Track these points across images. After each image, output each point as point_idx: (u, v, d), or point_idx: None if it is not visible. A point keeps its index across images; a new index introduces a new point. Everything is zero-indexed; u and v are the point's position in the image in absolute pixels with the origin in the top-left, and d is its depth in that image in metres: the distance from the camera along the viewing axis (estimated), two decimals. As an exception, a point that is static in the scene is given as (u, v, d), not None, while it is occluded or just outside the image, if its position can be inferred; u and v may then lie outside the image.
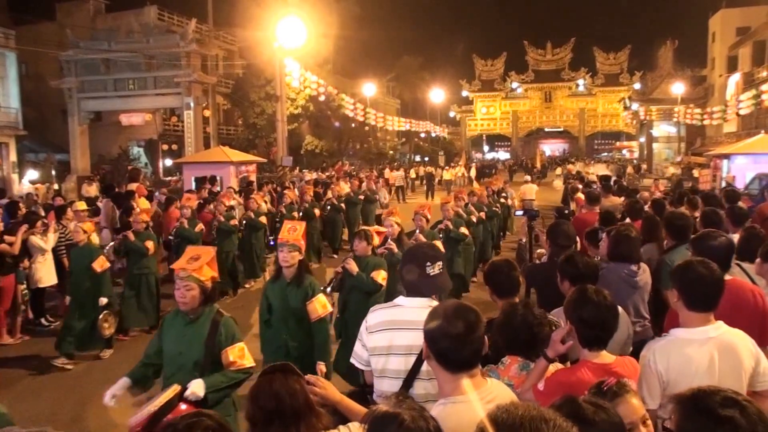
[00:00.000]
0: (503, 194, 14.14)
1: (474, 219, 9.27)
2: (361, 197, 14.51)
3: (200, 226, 9.25)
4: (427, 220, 6.86)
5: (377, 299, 5.03)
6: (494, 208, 11.34)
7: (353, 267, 5.17)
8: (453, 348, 1.95)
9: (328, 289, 5.08)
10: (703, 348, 2.47)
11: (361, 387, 2.84)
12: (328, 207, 13.31)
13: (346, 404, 2.37)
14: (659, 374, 2.46)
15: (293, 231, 4.50)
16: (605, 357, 2.48)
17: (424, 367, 2.44)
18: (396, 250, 5.87)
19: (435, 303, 2.56)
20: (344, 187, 15.60)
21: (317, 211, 12.24)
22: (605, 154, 45.38)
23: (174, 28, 29.18)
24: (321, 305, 4.42)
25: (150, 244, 7.68)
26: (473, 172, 34.83)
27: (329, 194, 14.01)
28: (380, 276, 5.20)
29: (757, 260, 3.67)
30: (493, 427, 1.31)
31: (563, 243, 4.25)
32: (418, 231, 6.73)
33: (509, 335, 2.70)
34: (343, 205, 13.65)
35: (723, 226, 4.71)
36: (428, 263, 2.59)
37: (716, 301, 2.56)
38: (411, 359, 2.49)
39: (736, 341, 2.52)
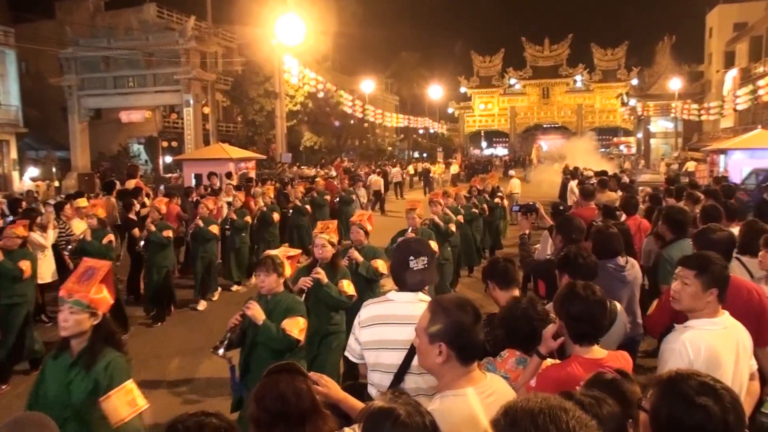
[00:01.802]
0: (498, 193, 12.48)
1: (452, 228, 7.77)
2: (327, 198, 12.75)
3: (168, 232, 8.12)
4: (367, 233, 5.54)
5: (297, 353, 3.77)
6: (473, 210, 9.79)
7: (257, 313, 3.58)
8: (471, 337, 1.96)
9: (220, 351, 3.59)
10: (727, 340, 2.53)
11: (356, 381, 2.90)
12: (290, 211, 11.65)
13: (349, 403, 2.34)
14: (691, 364, 2.43)
15: (83, 278, 2.86)
16: (597, 352, 2.47)
17: (415, 361, 2.46)
18: (325, 279, 4.49)
19: (424, 297, 2.64)
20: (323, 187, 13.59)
21: (276, 216, 10.41)
22: (603, 149, 45.39)
23: (173, 25, 29.24)
24: (125, 402, 2.72)
25: (25, 265, 6.08)
26: (454, 169, 32.19)
27: (296, 193, 12.20)
28: (297, 326, 3.63)
29: (762, 251, 3.67)
30: (513, 414, 1.30)
31: (578, 237, 4.24)
32: (355, 246, 5.45)
33: (510, 328, 2.73)
34: (308, 206, 11.82)
35: (722, 221, 4.74)
36: (411, 257, 2.62)
37: None
38: (402, 354, 2.50)
39: (740, 332, 2.61)
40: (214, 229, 8.73)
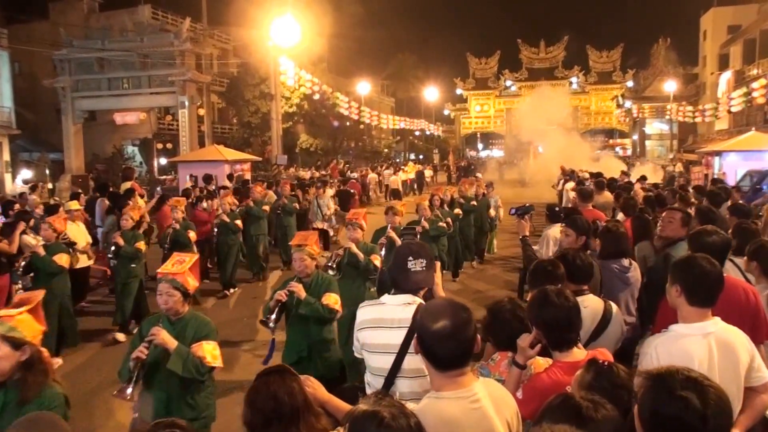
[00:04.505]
0: (461, 201, 10.62)
1: (377, 261, 5.51)
2: (266, 208, 10.61)
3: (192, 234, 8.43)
4: (187, 295, 3.51)
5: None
6: (441, 224, 8.28)
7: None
8: (441, 347, 1.94)
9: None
10: (702, 344, 2.45)
11: (352, 384, 2.87)
12: (216, 228, 9.71)
13: (334, 404, 2.36)
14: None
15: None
16: (576, 354, 2.47)
17: (406, 365, 2.47)
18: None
19: (416, 299, 2.61)
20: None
21: (193, 235, 8.48)
22: (598, 151, 45.59)
23: (168, 26, 29.13)
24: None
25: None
26: (395, 177, 26.94)
27: (222, 204, 10.09)
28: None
29: (745, 258, 3.70)
30: None
31: (591, 235, 4.27)
32: (167, 317, 3.46)
33: (500, 331, 2.70)
34: (239, 222, 9.74)
35: (719, 222, 4.74)
36: (410, 258, 2.61)
37: (716, 297, 2.56)
38: (389, 357, 2.50)
39: (733, 337, 2.51)
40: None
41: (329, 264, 5.15)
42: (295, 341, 4.29)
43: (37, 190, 13.55)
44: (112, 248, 7.36)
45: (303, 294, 4.04)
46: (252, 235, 10.31)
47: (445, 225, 8.43)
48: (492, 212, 11.80)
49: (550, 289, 2.55)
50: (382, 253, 5.91)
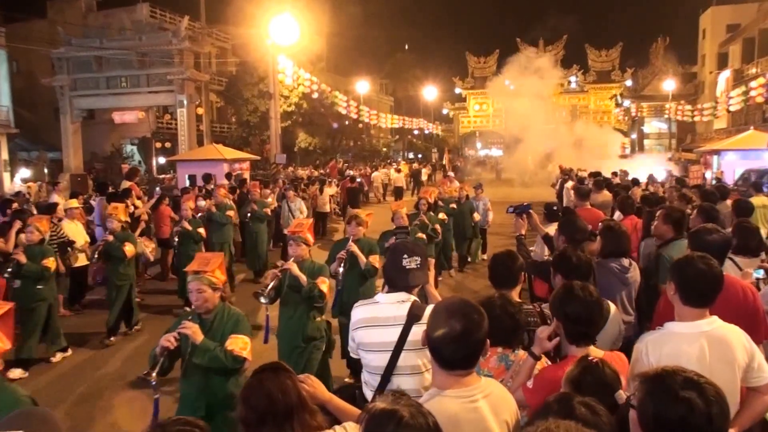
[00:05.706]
0: (464, 203, 10.27)
1: (323, 286, 4.60)
2: (230, 213, 9.46)
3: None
4: None
5: None
6: (420, 235, 7.22)
7: None
8: (448, 348, 1.93)
9: None
10: (694, 342, 2.45)
11: (350, 383, 2.87)
12: (176, 237, 8.49)
13: (335, 403, 2.34)
14: (650, 366, 2.39)
15: None
16: (594, 352, 2.46)
17: (402, 362, 2.49)
18: None
19: (410, 297, 2.63)
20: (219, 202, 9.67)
21: (129, 249, 7.21)
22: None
23: (166, 25, 29.11)
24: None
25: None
26: (398, 175, 25.66)
27: (184, 211, 8.68)
28: None
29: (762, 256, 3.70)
30: None
31: (580, 237, 4.21)
32: None
33: (490, 327, 2.69)
34: (202, 230, 8.55)
35: (720, 221, 4.72)
36: (405, 255, 2.64)
37: (713, 297, 2.55)
38: (385, 356, 2.52)
39: (730, 336, 2.49)
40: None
41: (260, 292, 4.43)
42: (189, 398, 3.33)
43: (58, 186, 13.39)
44: (9, 268, 6.11)
45: (199, 337, 3.13)
46: (214, 243, 8.83)
47: (424, 236, 7.53)
48: (476, 216, 10.88)
49: (575, 283, 2.58)
50: (341, 269, 5.04)
